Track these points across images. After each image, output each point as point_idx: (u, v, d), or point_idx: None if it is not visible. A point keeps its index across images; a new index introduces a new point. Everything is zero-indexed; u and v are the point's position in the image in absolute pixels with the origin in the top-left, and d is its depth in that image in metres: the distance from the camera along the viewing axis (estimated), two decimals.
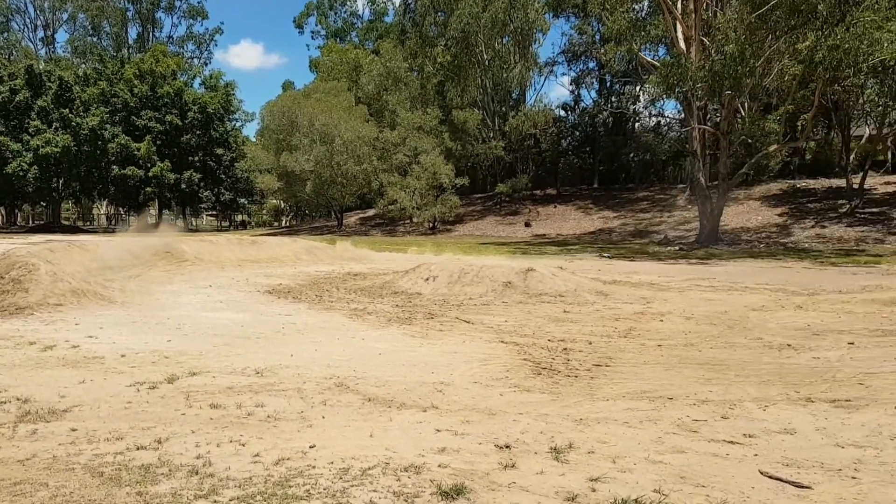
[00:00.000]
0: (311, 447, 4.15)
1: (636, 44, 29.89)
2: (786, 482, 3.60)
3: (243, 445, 4.20)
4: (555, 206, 39.23)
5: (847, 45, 22.94)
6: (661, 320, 8.86)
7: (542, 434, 4.39)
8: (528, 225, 36.97)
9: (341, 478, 3.68)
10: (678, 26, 26.04)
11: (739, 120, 26.34)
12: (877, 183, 31.85)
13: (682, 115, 35.13)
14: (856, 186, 30.15)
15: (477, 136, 40.46)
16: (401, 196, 37.00)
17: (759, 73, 24.85)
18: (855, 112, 31.50)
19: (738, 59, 24.04)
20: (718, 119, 31.06)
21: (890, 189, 31.22)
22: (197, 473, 3.75)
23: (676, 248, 24.04)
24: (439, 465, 3.85)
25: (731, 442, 4.23)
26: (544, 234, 34.40)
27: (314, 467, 3.83)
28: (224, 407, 5.00)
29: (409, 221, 40.87)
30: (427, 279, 11.69)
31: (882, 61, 24.75)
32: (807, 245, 24.98)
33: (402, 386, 5.63)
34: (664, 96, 31.98)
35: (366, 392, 5.44)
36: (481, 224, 39.30)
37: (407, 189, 37.18)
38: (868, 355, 6.53)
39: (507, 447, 4.15)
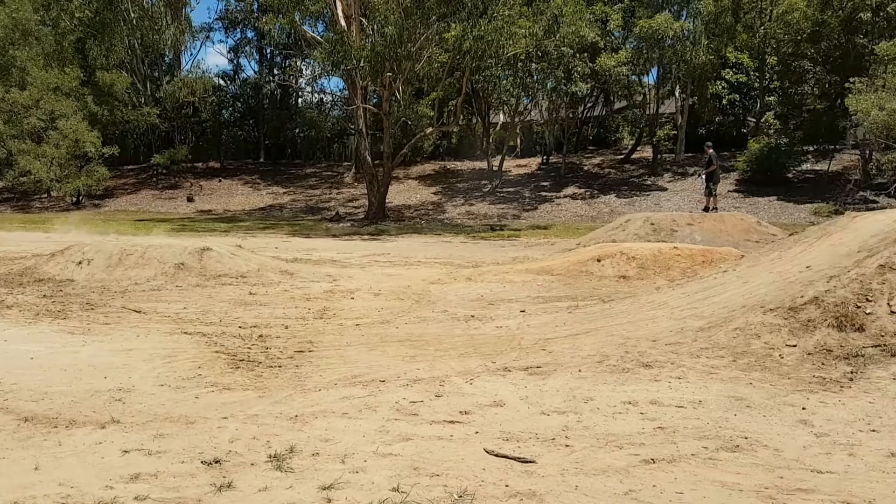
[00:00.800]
0: None
1: (298, 17, 29.53)
2: (511, 459, 3.64)
3: None
4: (219, 181, 37.30)
5: (490, 38, 25.40)
6: (353, 298, 8.78)
7: (256, 440, 3.89)
8: (190, 200, 34.58)
9: None
10: (338, 3, 26.26)
11: (395, 103, 27.65)
12: (511, 166, 36.09)
13: (346, 93, 35.86)
14: (495, 168, 33.82)
15: (127, 101, 36.48)
16: (35, 166, 31.75)
17: (414, 58, 26.24)
18: (492, 101, 35.22)
19: (398, 41, 25.14)
20: (377, 100, 32.30)
21: (521, 171, 35.65)
22: None
23: (348, 224, 24.51)
24: (136, 498, 3.15)
25: (452, 422, 4.20)
26: (210, 210, 32.53)
27: None
28: None
29: (47, 196, 35.45)
30: (80, 263, 10.06)
31: (516, 55, 28.03)
32: (459, 221, 27.36)
33: (69, 398, 4.63)
34: (329, 73, 32.24)
35: (20, 410, 4.34)
36: (136, 198, 35.75)
37: (43, 158, 32.02)
38: (540, 322, 7.16)
39: (216, 462, 3.57)
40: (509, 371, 5.27)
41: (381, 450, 3.75)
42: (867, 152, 27.57)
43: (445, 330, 6.90)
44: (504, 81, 31.85)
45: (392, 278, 10.79)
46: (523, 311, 7.73)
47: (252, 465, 3.55)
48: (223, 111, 42.49)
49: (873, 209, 25.82)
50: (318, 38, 29.20)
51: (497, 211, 28.79)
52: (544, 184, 32.62)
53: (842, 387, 4.72)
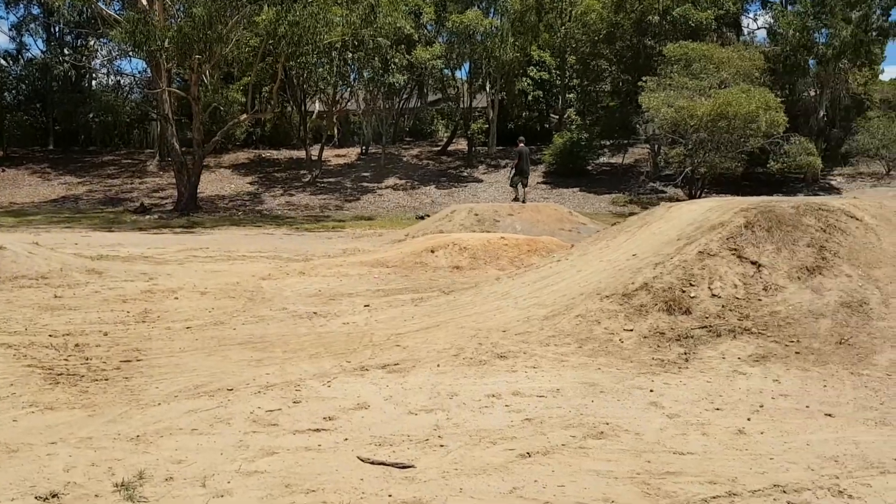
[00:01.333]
0: None
1: None
2: (389, 465, 3.48)
3: None
4: (3, 170, 33.02)
5: (306, 24, 24.81)
6: (176, 298, 8.09)
7: (96, 467, 3.41)
8: None
9: None
10: None
11: (203, 87, 26.17)
12: (330, 155, 35.51)
13: (147, 76, 33.32)
14: (314, 158, 33.10)
15: None
16: None
17: (225, 41, 25.02)
18: (309, 88, 34.43)
19: (207, 23, 23.81)
20: (180, 83, 30.35)
21: (341, 161, 35.21)
22: None
23: (155, 216, 22.77)
24: None
25: (317, 430, 3.95)
26: None
27: None
28: None
29: None
30: None
31: (331, 43, 27.63)
32: (279, 212, 26.46)
33: None
34: (131, 54, 29.71)
35: None
36: None
37: None
38: (387, 316, 7.02)
39: (54, 496, 3.08)
40: (367, 370, 5.09)
41: (245, 468, 3.43)
42: (656, 146, 30.29)
43: (289, 329, 6.55)
44: (321, 69, 31.23)
45: (217, 275, 10.12)
46: (368, 306, 7.56)
47: (97, 496, 3.10)
48: (5, 94, 37.68)
49: (663, 198, 28.53)
50: (117, 16, 26.80)
51: (319, 202, 28.21)
52: (365, 174, 32.47)
53: (680, 368, 5.06)
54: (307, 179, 31.36)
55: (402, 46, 30.98)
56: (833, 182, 30.27)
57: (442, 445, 3.71)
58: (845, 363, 5.02)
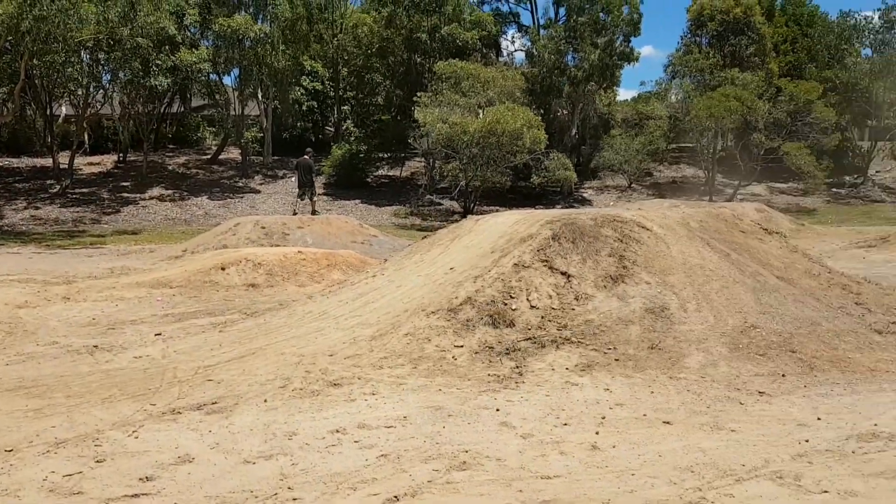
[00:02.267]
0: None
1: None
2: None
3: None
4: None
5: (56, 20, 22.25)
6: None
7: None
8: None
9: None
10: None
11: None
12: (82, 164, 31.93)
13: None
14: (64, 166, 29.52)
15: None
16: None
17: None
18: (55, 90, 30.73)
19: None
20: None
21: (95, 169, 31.79)
22: None
23: None
24: None
25: (135, 495, 3.26)
26: None
27: None
28: None
29: None
30: None
31: (82, 41, 24.98)
32: (24, 228, 23.11)
33: None
34: None
35: None
36: None
37: None
38: (188, 346, 6.22)
39: None
40: (180, 413, 4.38)
41: None
42: (432, 160, 31.16)
43: (68, 368, 5.52)
44: (70, 69, 27.97)
45: None
46: (160, 335, 6.65)
47: None
48: None
49: (440, 210, 29.45)
50: None
51: (72, 215, 25.10)
52: (125, 184, 29.59)
53: (517, 383, 5.00)
54: (56, 190, 27.83)
55: (166, 48, 28.78)
56: (585, 194, 33.31)
57: (295, 499, 3.23)
58: (661, 368, 5.29)
